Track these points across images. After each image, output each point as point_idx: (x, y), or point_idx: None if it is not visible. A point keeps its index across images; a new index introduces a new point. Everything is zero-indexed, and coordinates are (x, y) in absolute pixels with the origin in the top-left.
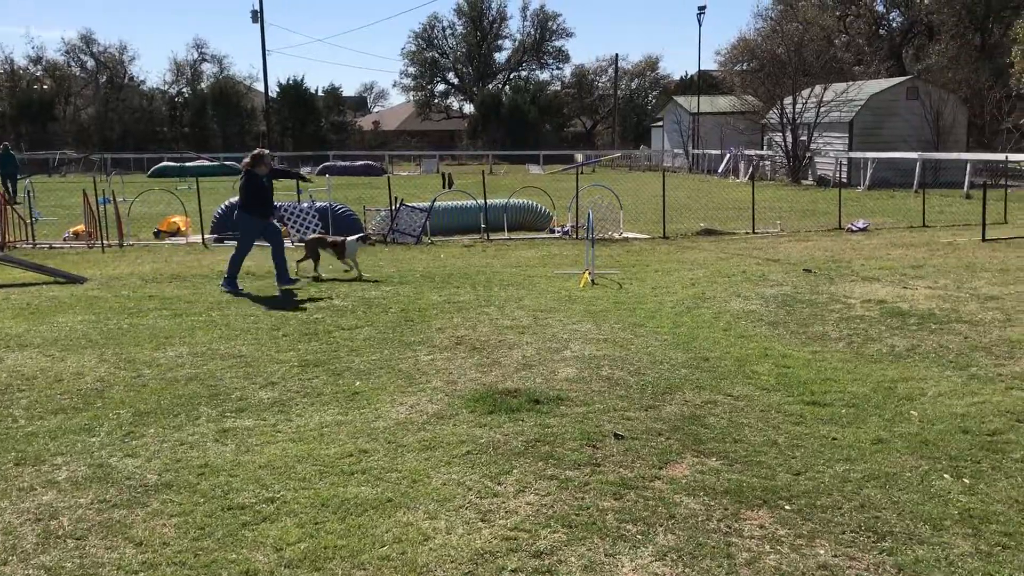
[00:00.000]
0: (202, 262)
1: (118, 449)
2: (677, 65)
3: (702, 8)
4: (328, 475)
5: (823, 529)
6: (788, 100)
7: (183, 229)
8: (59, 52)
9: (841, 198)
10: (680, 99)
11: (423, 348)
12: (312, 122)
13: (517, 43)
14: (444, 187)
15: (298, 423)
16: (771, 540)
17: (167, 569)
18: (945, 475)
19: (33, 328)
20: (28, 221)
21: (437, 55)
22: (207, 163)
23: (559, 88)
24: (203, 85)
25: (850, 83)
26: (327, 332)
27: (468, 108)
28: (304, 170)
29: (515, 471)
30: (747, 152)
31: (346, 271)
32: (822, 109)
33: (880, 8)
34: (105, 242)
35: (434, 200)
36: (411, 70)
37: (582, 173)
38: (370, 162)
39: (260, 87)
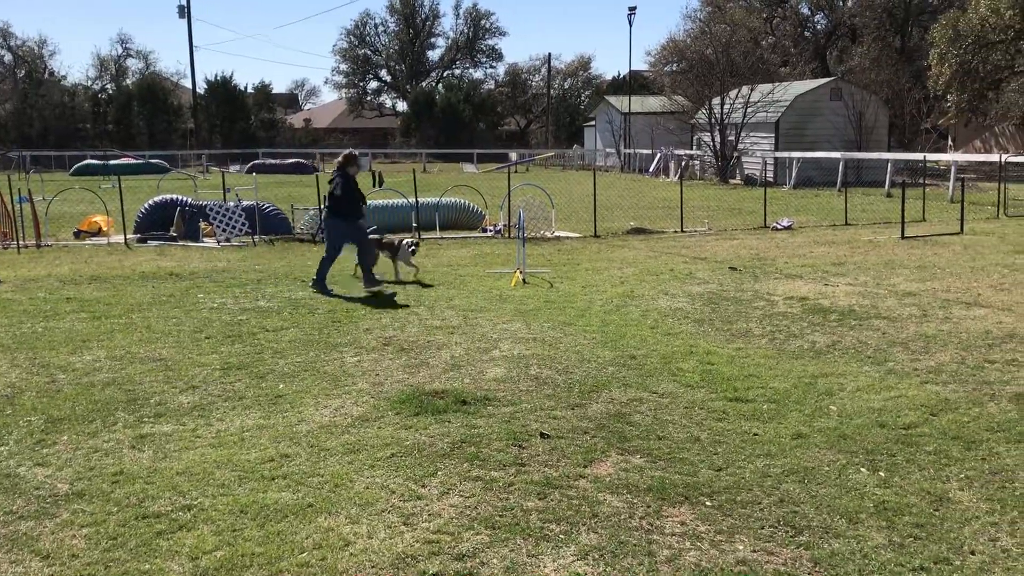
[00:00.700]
0: (124, 263)
1: (27, 458)
2: (609, 65)
3: (632, 9)
4: (248, 481)
5: (743, 524)
6: (716, 100)
7: (105, 229)
8: None
9: (767, 197)
10: (612, 99)
11: (350, 349)
12: (241, 119)
13: (450, 41)
14: (374, 186)
15: (218, 428)
16: (691, 537)
17: None
18: (862, 468)
19: None
20: None
21: (369, 52)
22: (132, 161)
23: (493, 87)
24: (128, 81)
25: (776, 84)
26: (251, 334)
27: (401, 106)
28: (233, 168)
29: (440, 473)
30: (677, 152)
31: (405, 275)
32: (749, 109)
33: (805, 11)
34: (21, 242)
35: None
36: (343, 67)
37: (515, 172)
38: (301, 160)
39: (187, 84)
